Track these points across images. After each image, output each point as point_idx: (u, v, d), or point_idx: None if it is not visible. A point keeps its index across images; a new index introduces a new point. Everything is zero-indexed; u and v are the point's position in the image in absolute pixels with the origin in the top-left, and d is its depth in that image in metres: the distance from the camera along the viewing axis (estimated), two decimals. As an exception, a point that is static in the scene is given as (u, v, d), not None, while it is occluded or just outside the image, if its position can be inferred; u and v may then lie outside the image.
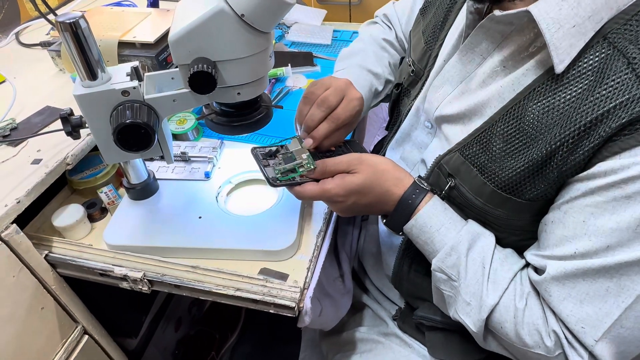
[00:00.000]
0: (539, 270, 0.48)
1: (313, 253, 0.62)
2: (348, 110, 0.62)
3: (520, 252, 0.52)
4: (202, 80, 0.48)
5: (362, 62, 0.71)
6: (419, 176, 0.57)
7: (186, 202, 0.68)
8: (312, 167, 0.56)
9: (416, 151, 0.65)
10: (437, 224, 0.52)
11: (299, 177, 0.56)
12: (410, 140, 0.66)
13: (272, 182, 0.55)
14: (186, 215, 0.65)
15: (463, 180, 0.52)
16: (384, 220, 0.55)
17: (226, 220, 0.65)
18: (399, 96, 0.70)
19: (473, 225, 0.53)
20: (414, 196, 0.53)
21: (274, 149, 0.61)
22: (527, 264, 0.50)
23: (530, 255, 0.49)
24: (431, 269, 0.53)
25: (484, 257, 0.50)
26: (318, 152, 0.61)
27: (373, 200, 0.54)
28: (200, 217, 0.65)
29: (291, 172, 0.57)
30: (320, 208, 0.68)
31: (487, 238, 0.52)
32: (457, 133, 0.54)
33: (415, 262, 0.62)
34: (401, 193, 0.53)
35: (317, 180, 0.55)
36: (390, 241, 0.68)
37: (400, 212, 0.53)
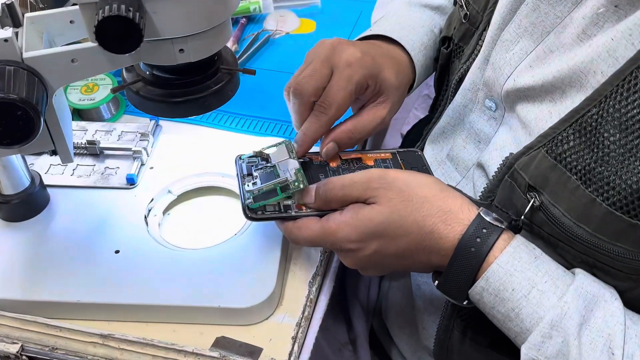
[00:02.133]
0: None
1: (303, 311, 0.61)
2: (383, 106, 0.66)
3: None
4: (119, 30, 0.47)
5: None
6: (491, 203, 0.57)
7: (95, 226, 0.67)
8: (301, 186, 0.58)
9: (472, 147, 0.66)
10: (525, 284, 0.51)
11: (295, 207, 0.59)
12: (463, 129, 0.68)
13: (247, 213, 0.58)
14: (94, 248, 0.65)
15: (555, 197, 0.52)
16: (436, 283, 0.56)
17: (161, 256, 0.64)
18: (448, 58, 0.72)
19: (584, 281, 0.51)
20: (478, 240, 0.52)
21: (267, 154, 0.64)
22: None
23: None
24: None
25: (609, 336, 0.49)
26: (331, 165, 0.65)
27: (407, 247, 0.55)
28: (117, 252, 0.64)
29: (269, 196, 0.58)
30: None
31: (611, 303, 0.50)
32: (542, 117, 0.55)
33: (472, 327, 0.61)
34: (457, 235, 0.53)
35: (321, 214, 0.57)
36: (430, 291, 0.69)
37: (459, 268, 0.53)
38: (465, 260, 0.53)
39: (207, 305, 0.59)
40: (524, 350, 0.51)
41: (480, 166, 0.63)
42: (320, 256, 0.67)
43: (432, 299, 0.68)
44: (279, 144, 0.64)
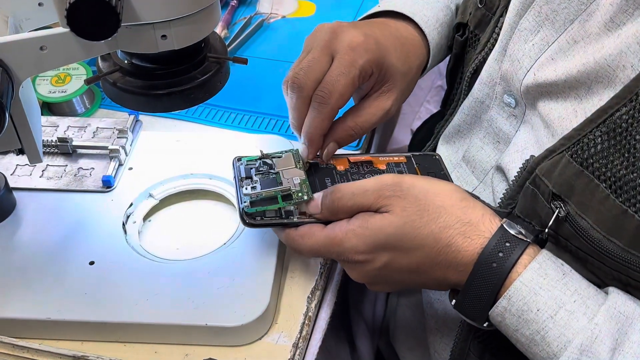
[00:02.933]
0: None
1: (301, 331, 0.61)
2: (387, 95, 0.65)
3: None
4: (93, 14, 0.46)
5: None
6: (512, 211, 0.57)
7: (67, 234, 0.67)
8: (305, 197, 0.60)
9: (491, 148, 0.67)
10: (552, 304, 0.51)
11: (297, 213, 0.60)
12: (481, 127, 0.68)
13: (244, 219, 0.59)
14: (66, 259, 0.65)
15: (582, 207, 0.52)
16: (453, 302, 0.56)
17: (140, 268, 0.64)
18: (463, 47, 0.72)
19: (617, 301, 0.51)
20: (501, 254, 0.52)
21: (271, 160, 0.65)
22: None
23: None
24: None
25: None
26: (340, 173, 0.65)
27: (421, 261, 0.55)
28: (92, 263, 0.64)
29: (269, 203, 0.60)
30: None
31: None
32: (566, 116, 0.55)
33: (491, 350, 0.61)
34: (477, 249, 0.53)
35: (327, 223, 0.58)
36: (443, 310, 0.68)
37: (479, 285, 0.53)
38: (486, 277, 0.53)
39: (192, 324, 0.59)
40: None
41: (500, 169, 0.63)
42: (320, 268, 0.67)
43: (445, 319, 0.68)
44: (285, 151, 0.66)
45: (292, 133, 0.66)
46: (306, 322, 0.62)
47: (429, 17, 0.72)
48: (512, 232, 0.53)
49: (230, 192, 0.71)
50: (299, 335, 0.61)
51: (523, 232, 0.53)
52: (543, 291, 0.51)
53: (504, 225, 0.53)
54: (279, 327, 0.62)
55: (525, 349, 0.53)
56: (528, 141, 0.60)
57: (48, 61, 0.53)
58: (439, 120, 0.77)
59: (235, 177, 0.64)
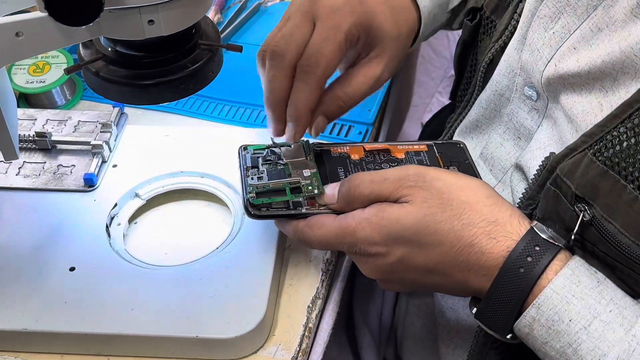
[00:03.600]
0: None
1: (300, 343, 0.61)
2: (377, 61, 0.65)
3: None
4: None
5: None
6: (532, 213, 0.57)
7: (45, 237, 0.67)
8: (316, 191, 0.61)
9: (511, 144, 0.67)
10: (585, 314, 0.51)
11: (307, 203, 0.60)
12: (501, 122, 0.68)
13: (249, 210, 0.60)
14: (44, 265, 0.65)
15: (609, 210, 0.52)
16: (474, 310, 0.55)
17: (126, 275, 0.64)
18: (474, 33, 0.72)
19: None
20: (530, 259, 0.52)
21: (280, 150, 0.66)
22: None
23: None
24: None
25: None
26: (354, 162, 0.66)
27: (439, 260, 0.55)
28: (72, 269, 0.64)
29: (276, 195, 0.61)
30: (315, 250, 0.69)
31: None
32: (591, 110, 0.55)
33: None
34: (503, 252, 0.53)
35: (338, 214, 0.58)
36: (456, 319, 0.69)
37: (504, 292, 0.53)
38: (513, 283, 0.52)
39: (182, 335, 0.59)
40: None
41: (520, 168, 0.64)
42: (322, 275, 0.67)
43: (459, 329, 0.68)
44: (295, 142, 0.66)
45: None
46: (306, 333, 0.62)
47: None
48: (543, 236, 0.53)
49: (224, 191, 0.71)
50: (298, 349, 0.61)
51: (556, 236, 0.53)
52: (576, 300, 0.51)
53: (535, 228, 0.53)
54: (277, 339, 0.62)
55: None
56: (552, 137, 0.61)
57: (25, 48, 0.53)
58: (450, 113, 0.77)
59: (240, 165, 0.64)
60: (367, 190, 0.56)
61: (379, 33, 0.65)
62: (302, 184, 0.61)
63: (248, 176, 0.63)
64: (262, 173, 0.63)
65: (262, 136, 0.75)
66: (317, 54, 0.61)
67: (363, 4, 0.64)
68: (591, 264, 0.53)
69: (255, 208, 0.60)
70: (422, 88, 0.96)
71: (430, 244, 0.54)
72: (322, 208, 0.60)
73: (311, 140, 0.67)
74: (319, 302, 0.65)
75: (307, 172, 0.63)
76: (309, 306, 0.64)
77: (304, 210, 0.60)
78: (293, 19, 0.63)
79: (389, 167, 0.65)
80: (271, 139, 0.66)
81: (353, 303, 0.82)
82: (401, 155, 0.66)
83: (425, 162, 0.66)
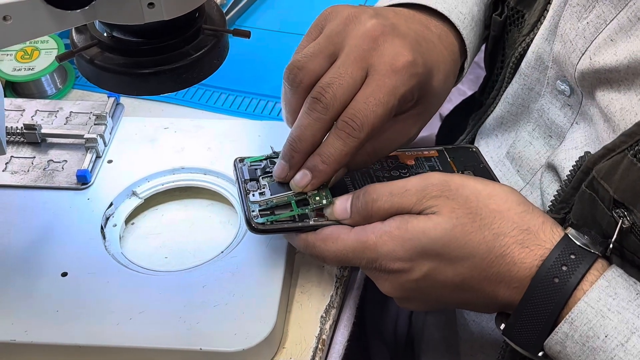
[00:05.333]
0: None
1: (313, 357, 0.62)
2: (414, 120, 0.64)
3: None
4: None
5: None
6: (565, 217, 0.58)
7: (35, 240, 0.67)
8: (324, 201, 0.60)
9: (541, 143, 0.68)
10: (622, 329, 0.51)
11: (314, 214, 0.60)
12: (530, 119, 0.69)
13: (253, 226, 0.60)
14: (34, 270, 0.65)
15: None
16: (502, 326, 0.56)
17: (122, 281, 0.65)
18: (502, 27, 0.72)
19: None
20: (565, 268, 0.52)
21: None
22: None
23: None
24: None
25: None
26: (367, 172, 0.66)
27: (469, 274, 0.55)
28: (64, 275, 0.64)
29: (282, 210, 0.61)
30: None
31: None
32: (631, 108, 0.55)
33: None
34: (536, 261, 0.53)
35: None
36: (480, 332, 0.70)
37: (537, 305, 0.53)
38: (546, 295, 0.52)
39: (184, 348, 0.59)
40: None
41: (552, 168, 0.64)
42: (336, 282, 0.67)
43: (482, 343, 0.69)
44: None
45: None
46: (319, 346, 0.62)
47: (465, 14, 0.70)
48: (578, 243, 0.53)
49: (229, 189, 0.71)
50: (310, 363, 0.61)
51: (591, 243, 0.53)
52: (612, 314, 0.51)
53: (569, 235, 0.53)
54: (288, 352, 0.62)
55: None
56: (587, 136, 0.61)
57: (13, 34, 0.52)
58: (474, 108, 0.78)
59: (237, 179, 0.64)
60: (387, 204, 0.56)
61: (430, 92, 0.63)
62: (309, 195, 0.61)
63: (249, 192, 0.62)
64: (263, 187, 0.63)
65: (270, 129, 0.76)
66: (364, 117, 0.58)
67: (426, 65, 0.61)
68: (630, 274, 0.53)
69: (256, 224, 0.60)
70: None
71: (460, 257, 0.54)
72: (331, 220, 0.60)
73: None
74: (333, 311, 0.65)
75: None
76: (322, 316, 0.64)
77: (311, 222, 0.60)
78: (344, 63, 0.59)
79: (400, 175, 0.65)
80: (271, 147, 0.65)
81: (365, 313, 0.83)
82: (411, 162, 0.67)
83: (437, 169, 0.67)
